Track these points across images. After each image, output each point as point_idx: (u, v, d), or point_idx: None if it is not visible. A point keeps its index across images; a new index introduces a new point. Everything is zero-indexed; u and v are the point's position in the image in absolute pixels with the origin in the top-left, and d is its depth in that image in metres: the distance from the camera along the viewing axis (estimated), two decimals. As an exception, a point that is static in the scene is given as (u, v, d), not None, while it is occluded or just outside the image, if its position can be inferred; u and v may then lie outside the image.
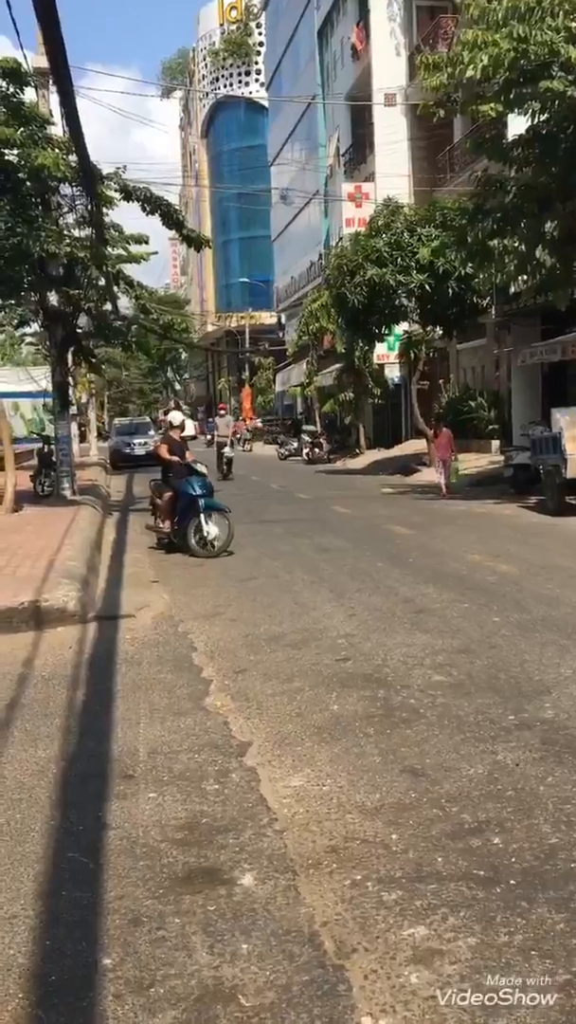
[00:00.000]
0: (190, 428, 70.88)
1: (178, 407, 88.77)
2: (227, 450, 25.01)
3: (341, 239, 31.96)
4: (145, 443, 35.79)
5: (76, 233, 17.81)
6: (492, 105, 14.54)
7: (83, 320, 20.72)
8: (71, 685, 5.85)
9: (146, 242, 20.02)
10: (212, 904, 3.11)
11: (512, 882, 3.13)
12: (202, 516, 11.24)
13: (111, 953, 2.84)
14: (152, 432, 38.82)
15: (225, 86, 75.81)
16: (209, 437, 47.91)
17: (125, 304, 23.46)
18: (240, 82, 75.48)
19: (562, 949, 2.73)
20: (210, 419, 54.63)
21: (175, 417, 13.05)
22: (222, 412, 29.84)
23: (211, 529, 11.23)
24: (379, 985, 2.62)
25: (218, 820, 3.77)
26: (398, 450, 29.89)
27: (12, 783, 4.20)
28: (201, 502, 11.25)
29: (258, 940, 2.87)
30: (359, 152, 37.47)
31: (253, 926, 2.96)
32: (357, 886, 3.17)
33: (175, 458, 12.07)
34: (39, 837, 3.66)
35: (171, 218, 17.46)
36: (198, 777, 4.23)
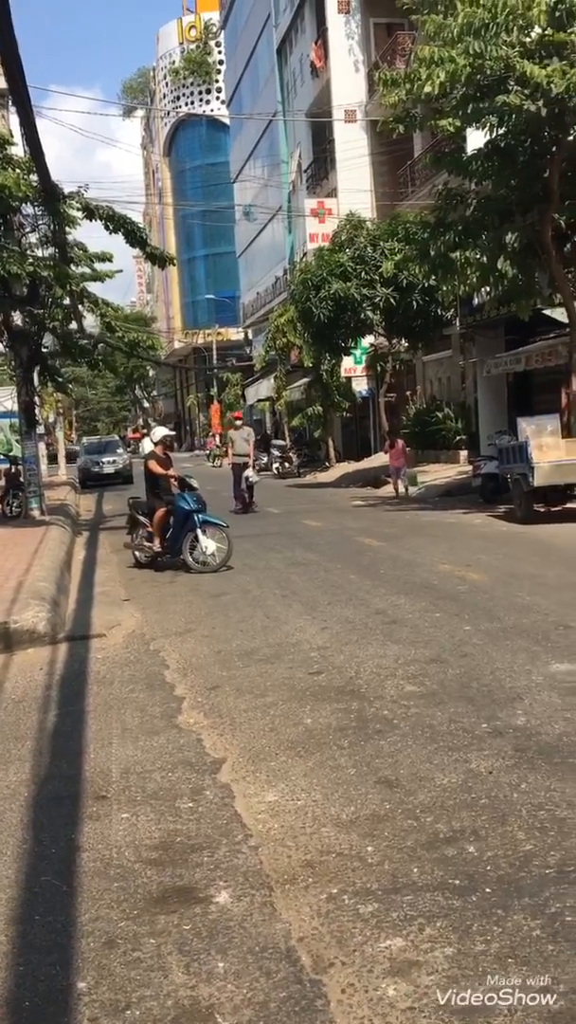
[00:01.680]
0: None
1: (147, 426, 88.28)
2: (250, 473, 18.49)
3: (305, 254, 32.17)
4: (114, 461, 35.74)
5: (39, 252, 17.78)
6: (450, 120, 14.73)
7: (48, 339, 20.70)
8: (42, 707, 5.79)
9: (110, 260, 20.03)
10: (187, 923, 3.08)
11: (488, 890, 3.14)
12: (199, 531, 11.11)
13: (86, 976, 2.80)
14: (121, 450, 38.73)
15: (186, 104, 76.19)
16: (215, 454, 46.99)
17: (91, 322, 23.48)
18: (201, 100, 75.89)
19: (538, 956, 2.74)
20: (214, 433, 53.42)
21: (157, 433, 12.94)
22: (238, 422, 20.74)
23: (209, 544, 11.11)
24: (357, 999, 2.60)
25: (192, 838, 3.74)
26: (367, 462, 30.00)
27: (-17, 808, 4.15)
28: (198, 517, 11.11)
29: (234, 958, 2.85)
30: (321, 168, 37.74)
31: (229, 944, 2.93)
32: (333, 900, 3.16)
33: (170, 472, 11.94)
34: (11, 861, 3.61)
35: (134, 236, 17.46)
36: (172, 796, 4.20)
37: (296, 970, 2.76)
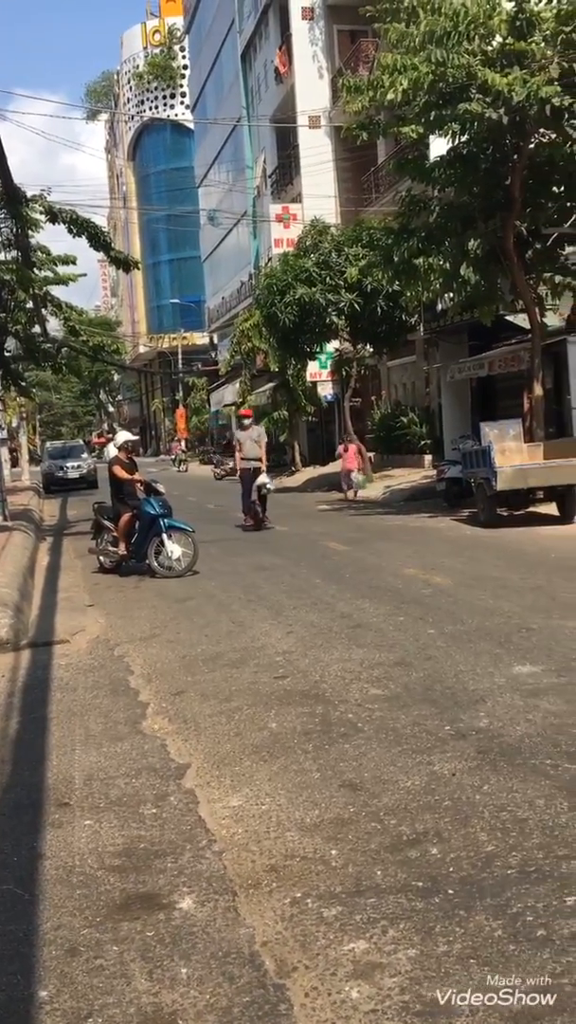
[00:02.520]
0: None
1: (112, 430, 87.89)
2: (264, 480, 15.59)
3: (270, 259, 32.22)
4: (79, 466, 35.50)
5: (1, 256, 17.66)
6: (413, 127, 14.84)
7: (11, 343, 20.53)
8: (3, 714, 5.74)
9: (74, 263, 19.97)
10: (151, 930, 3.07)
11: (450, 891, 3.16)
12: (164, 536, 11.06)
13: (47, 985, 2.78)
14: (86, 455, 38.48)
15: (150, 109, 75.97)
16: (181, 458, 46.24)
17: (55, 326, 23.34)
18: (165, 105, 75.75)
19: (500, 956, 2.76)
20: (180, 438, 52.47)
21: (119, 437, 12.87)
22: (246, 420, 17.05)
23: (174, 549, 11.05)
24: (320, 1002, 2.61)
25: (156, 844, 3.73)
26: (333, 467, 30.04)
27: (-57, 817, 4.10)
28: (164, 521, 11.08)
29: (198, 963, 2.84)
30: (285, 173, 37.84)
31: (192, 950, 2.92)
32: (297, 904, 3.16)
33: (135, 476, 11.90)
34: (-28, 871, 3.57)
35: (98, 240, 17.40)
36: (135, 802, 4.18)
37: (260, 975, 2.76)
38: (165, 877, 3.43)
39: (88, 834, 3.86)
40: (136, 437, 13.39)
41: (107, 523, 11.90)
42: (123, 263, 18.96)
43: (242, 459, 16.30)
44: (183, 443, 53.54)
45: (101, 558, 12.02)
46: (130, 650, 7.30)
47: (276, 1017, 2.55)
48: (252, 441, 16.18)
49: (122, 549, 11.57)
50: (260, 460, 15.85)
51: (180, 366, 62.91)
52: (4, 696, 6.16)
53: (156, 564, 11.11)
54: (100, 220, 24.08)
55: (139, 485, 11.76)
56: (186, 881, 3.39)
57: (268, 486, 15.73)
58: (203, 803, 4.11)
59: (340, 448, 22.86)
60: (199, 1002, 2.65)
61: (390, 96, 14.09)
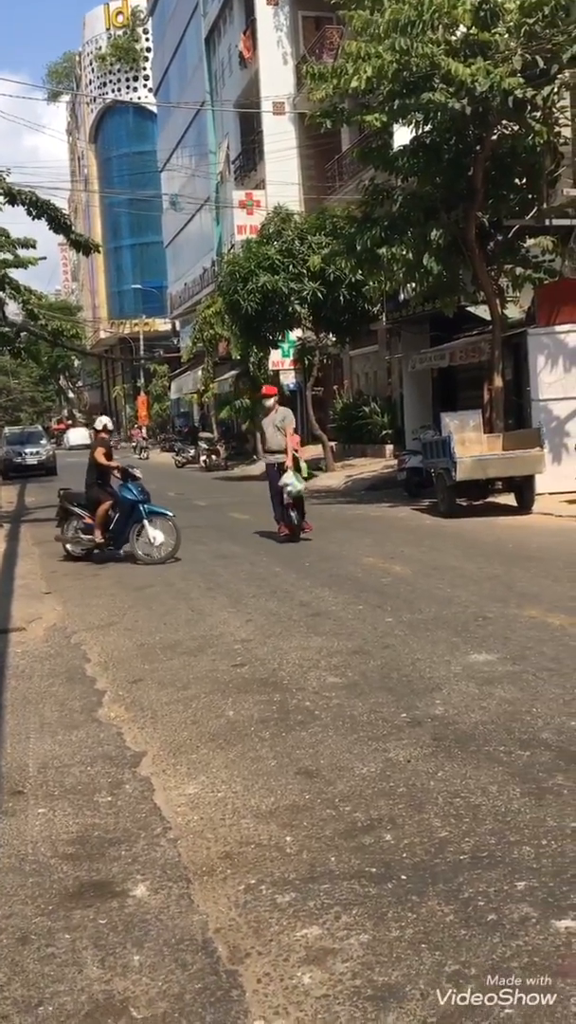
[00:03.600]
0: (84, 437, 68.77)
1: (71, 417, 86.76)
2: (288, 479, 11.76)
3: (233, 246, 32.03)
4: (37, 452, 35.14)
5: (-41, 238, 17.37)
6: (377, 116, 14.82)
7: (-31, 327, 20.22)
8: (-42, 702, 5.67)
9: (33, 246, 19.68)
10: (103, 917, 3.05)
11: (403, 877, 3.18)
12: (146, 522, 10.94)
13: (-2, 974, 2.76)
14: (44, 441, 38.09)
15: (113, 91, 75.05)
16: (141, 445, 45.35)
17: (13, 310, 23.00)
18: (128, 87, 74.85)
19: (451, 940, 2.78)
20: (140, 425, 52.27)
21: (100, 421, 12.68)
22: (268, 401, 13.14)
23: (156, 535, 10.94)
24: (272, 987, 2.61)
25: (110, 832, 3.71)
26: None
27: None
28: (144, 507, 10.96)
29: (150, 951, 2.84)
30: (249, 159, 37.63)
31: (145, 937, 2.92)
32: (251, 890, 3.16)
33: (114, 463, 11.71)
34: None
35: (58, 223, 17.19)
36: (90, 790, 4.16)
37: (212, 961, 2.76)
38: (119, 865, 3.42)
39: (42, 822, 3.84)
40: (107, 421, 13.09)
41: (77, 510, 11.69)
42: (83, 246, 18.75)
43: (265, 452, 12.90)
44: (144, 430, 53.17)
45: (68, 546, 11.83)
46: (87, 638, 7.25)
47: (228, 1003, 2.56)
48: (275, 428, 12.32)
49: (99, 537, 11.41)
50: (284, 452, 12.07)
51: (142, 352, 62.41)
52: (-42, 684, 6.08)
53: (139, 551, 10.98)
54: (61, 203, 23.73)
55: (116, 471, 11.59)
56: (140, 869, 3.38)
57: (291, 487, 11.63)
58: (159, 791, 4.10)
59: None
60: (151, 989, 2.64)
61: (354, 84, 14.05)
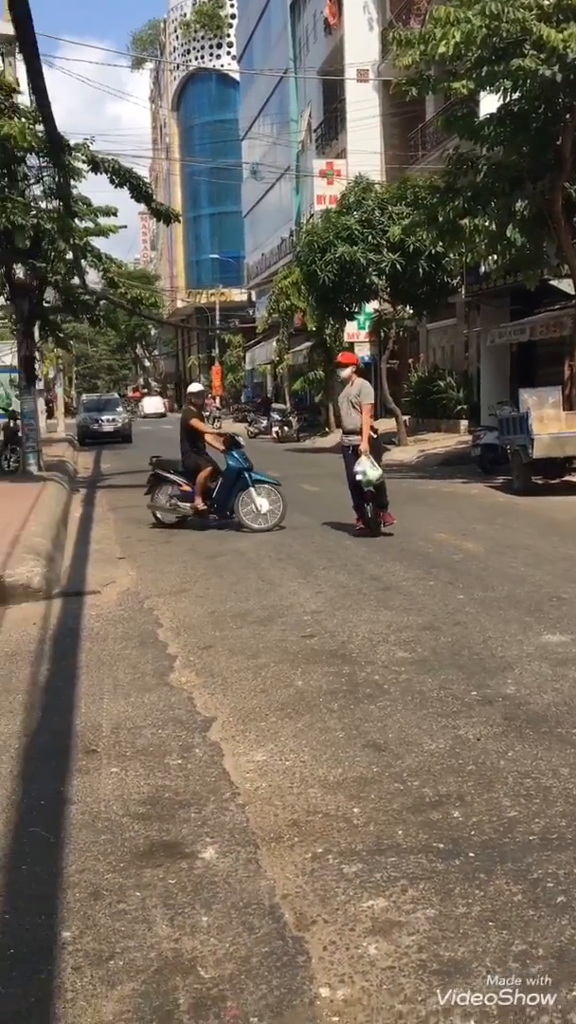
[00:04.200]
0: (159, 406, 69.53)
1: (147, 384, 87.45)
2: (362, 467, 9.97)
3: (312, 216, 31.79)
4: (113, 420, 35.59)
5: (43, 205, 17.57)
6: (464, 83, 14.49)
7: (50, 294, 20.50)
8: (35, 661, 5.81)
9: (115, 214, 19.80)
10: (173, 877, 3.11)
11: (471, 855, 3.16)
12: (252, 490, 10.89)
13: (71, 926, 2.83)
14: (120, 409, 38.57)
15: (196, 59, 74.87)
16: (214, 415, 45.48)
17: (93, 278, 23.27)
18: (212, 54, 74.61)
19: (519, 920, 2.77)
20: (214, 395, 52.08)
21: (195, 387, 12.65)
22: (343, 371, 10.82)
23: (263, 503, 10.89)
24: (338, 956, 2.63)
25: (180, 794, 3.77)
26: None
27: (-27, 758, 4.18)
28: (250, 475, 10.89)
29: (218, 913, 2.88)
30: (331, 128, 37.21)
31: (213, 899, 2.96)
32: (318, 859, 3.19)
33: (215, 430, 11.60)
34: (0, 812, 3.64)
35: (139, 191, 17.25)
36: (161, 752, 4.23)
37: (279, 926, 2.79)
38: (189, 827, 3.47)
39: (114, 781, 3.91)
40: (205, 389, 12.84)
41: (175, 476, 11.50)
42: (164, 215, 18.81)
43: (345, 432, 10.71)
44: (217, 400, 53.45)
45: (159, 514, 11.74)
46: (159, 603, 7.35)
47: (294, 968, 2.58)
48: (348, 403, 10.34)
49: (200, 504, 11.30)
50: (358, 434, 10.18)
51: (217, 322, 62.60)
52: (35, 643, 6.23)
53: (245, 518, 10.91)
54: (142, 172, 23.84)
55: (220, 438, 11.49)
56: (209, 832, 3.42)
57: (363, 475, 9.87)
58: (228, 756, 4.15)
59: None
60: (218, 950, 2.69)
61: (441, 50, 13.74)
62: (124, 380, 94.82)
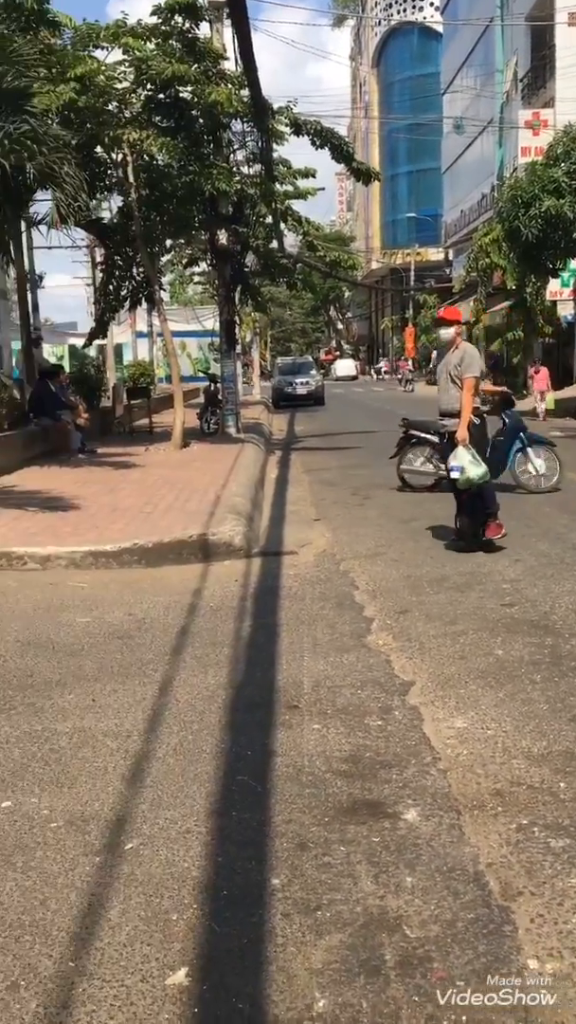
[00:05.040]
0: (351, 369, 69.67)
1: (339, 348, 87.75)
2: (456, 462, 7.72)
3: (516, 169, 30.58)
4: (307, 383, 35.96)
5: (245, 170, 17.85)
6: None
7: (250, 258, 20.86)
8: (237, 617, 6.01)
9: (314, 176, 19.82)
10: (376, 836, 3.16)
11: None
12: (529, 451, 10.59)
13: (279, 874, 2.93)
14: (314, 372, 38.90)
15: (398, 12, 73.39)
16: (407, 378, 44.43)
17: (290, 242, 23.49)
18: (414, 7, 72.89)
19: None
20: (407, 357, 51.34)
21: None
22: (447, 328, 8.10)
23: (540, 464, 10.62)
24: (546, 929, 2.59)
25: (381, 755, 3.81)
26: (570, 391, 28.73)
27: (185, 706, 4.39)
28: (524, 435, 10.45)
29: (422, 875, 2.90)
30: (538, 77, 35.54)
31: (417, 860, 2.98)
32: (523, 831, 3.14)
33: (502, 388, 11.09)
34: (210, 759, 3.81)
35: (341, 151, 17.18)
36: (361, 712, 4.28)
37: (484, 894, 2.78)
38: (390, 788, 3.51)
39: (316, 738, 4.00)
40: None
41: (431, 436, 10.65)
42: (364, 175, 18.64)
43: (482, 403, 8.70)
44: (410, 363, 52.86)
45: (406, 475, 11.49)
46: (355, 566, 7.40)
47: (501, 937, 2.57)
48: (447, 375, 7.99)
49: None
50: (455, 415, 7.90)
51: (412, 283, 61.70)
52: (237, 600, 6.44)
53: (522, 478, 10.63)
54: (341, 131, 23.61)
55: (499, 396, 10.98)
56: (411, 794, 3.44)
57: (458, 471, 7.69)
58: (427, 721, 4.14)
59: (531, 370, 24.40)
60: (423, 911, 2.71)
61: None
62: (317, 343, 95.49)
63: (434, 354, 57.07)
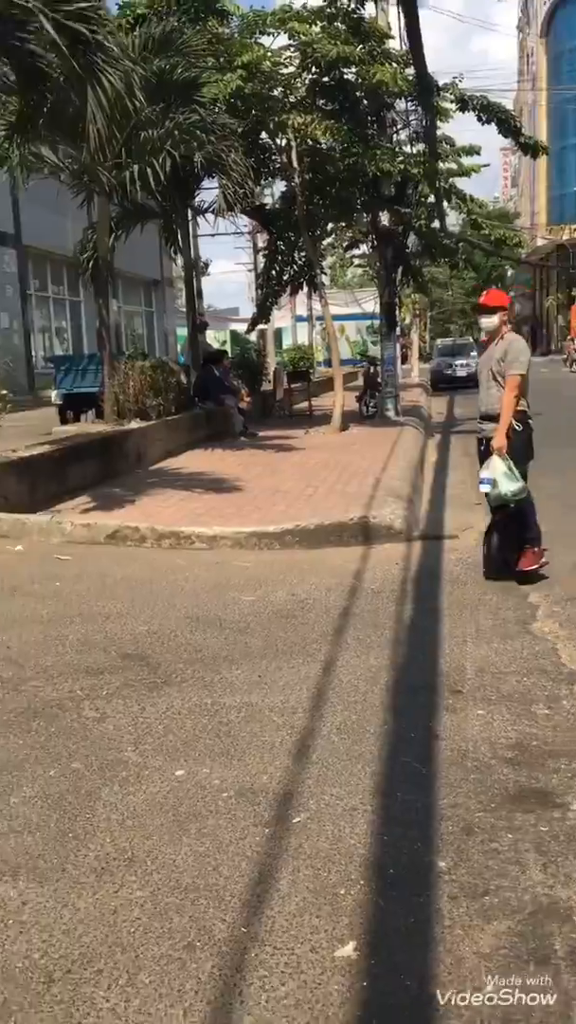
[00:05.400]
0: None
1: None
2: (489, 474, 6.39)
3: None
4: (467, 364, 35.26)
5: (408, 149, 17.63)
6: None
7: (411, 239, 20.62)
8: (399, 599, 6.01)
9: (478, 153, 19.37)
10: (544, 825, 3.11)
11: None
12: None
13: (445, 857, 2.94)
14: (474, 353, 38.11)
15: (569, -23, 70.41)
16: (573, 358, 43.34)
17: (452, 221, 23.05)
18: (586, -30, 69.75)
19: None
20: (572, 337, 49.39)
21: None
22: (490, 316, 6.66)
23: None
24: None
25: (548, 744, 3.74)
26: None
27: (348, 686, 4.44)
28: None
29: (593, 868, 2.84)
30: None
31: (587, 853, 2.92)
32: None
33: None
34: (373, 739, 3.84)
35: (507, 125, 16.71)
36: (527, 700, 4.21)
37: None
38: (559, 777, 3.44)
39: (480, 723, 3.97)
40: None
41: None
42: (531, 148, 18.04)
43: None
44: (575, 342, 50.89)
45: None
46: (519, 551, 7.22)
47: None
48: (489, 372, 6.67)
49: None
50: (497, 420, 6.52)
51: (580, 260, 59.32)
52: (398, 583, 6.44)
53: None
54: (507, 105, 22.87)
55: None
56: (580, 786, 3.37)
57: (489, 484, 6.44)
58: (598, 713, 4.03)
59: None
60: (595, 905, 2.65)
61: None
62: (476, 324, 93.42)
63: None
